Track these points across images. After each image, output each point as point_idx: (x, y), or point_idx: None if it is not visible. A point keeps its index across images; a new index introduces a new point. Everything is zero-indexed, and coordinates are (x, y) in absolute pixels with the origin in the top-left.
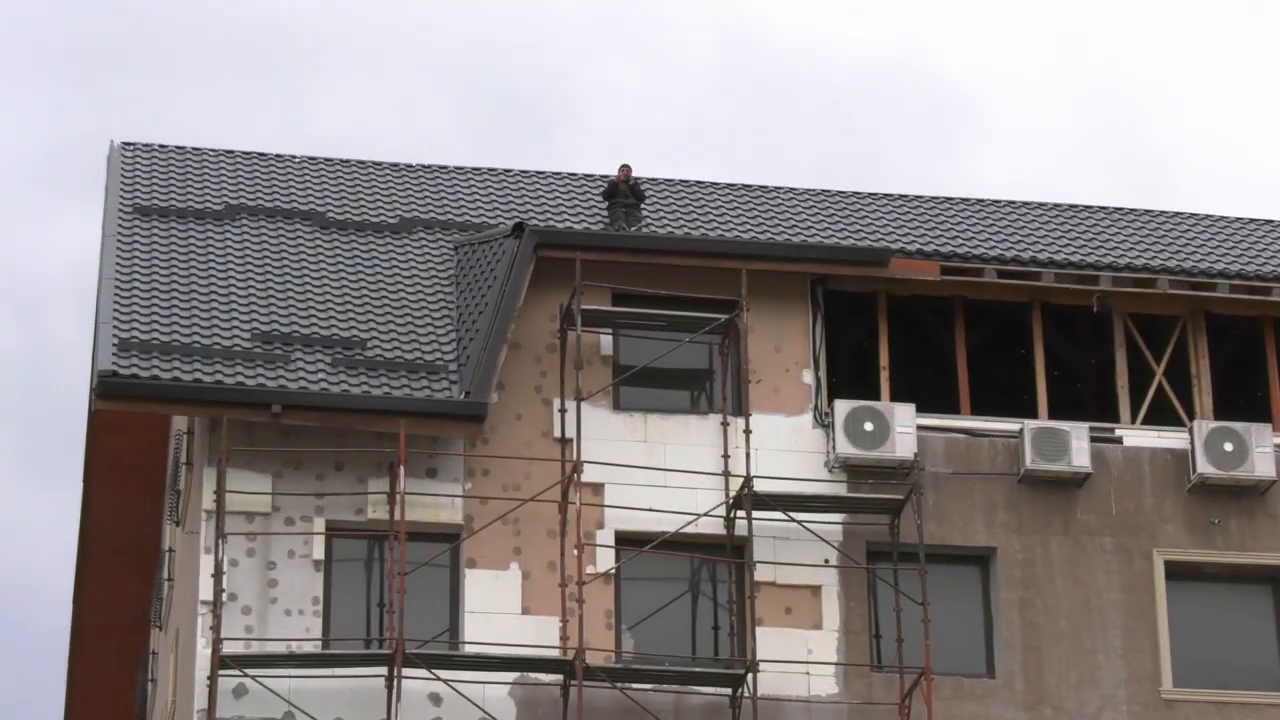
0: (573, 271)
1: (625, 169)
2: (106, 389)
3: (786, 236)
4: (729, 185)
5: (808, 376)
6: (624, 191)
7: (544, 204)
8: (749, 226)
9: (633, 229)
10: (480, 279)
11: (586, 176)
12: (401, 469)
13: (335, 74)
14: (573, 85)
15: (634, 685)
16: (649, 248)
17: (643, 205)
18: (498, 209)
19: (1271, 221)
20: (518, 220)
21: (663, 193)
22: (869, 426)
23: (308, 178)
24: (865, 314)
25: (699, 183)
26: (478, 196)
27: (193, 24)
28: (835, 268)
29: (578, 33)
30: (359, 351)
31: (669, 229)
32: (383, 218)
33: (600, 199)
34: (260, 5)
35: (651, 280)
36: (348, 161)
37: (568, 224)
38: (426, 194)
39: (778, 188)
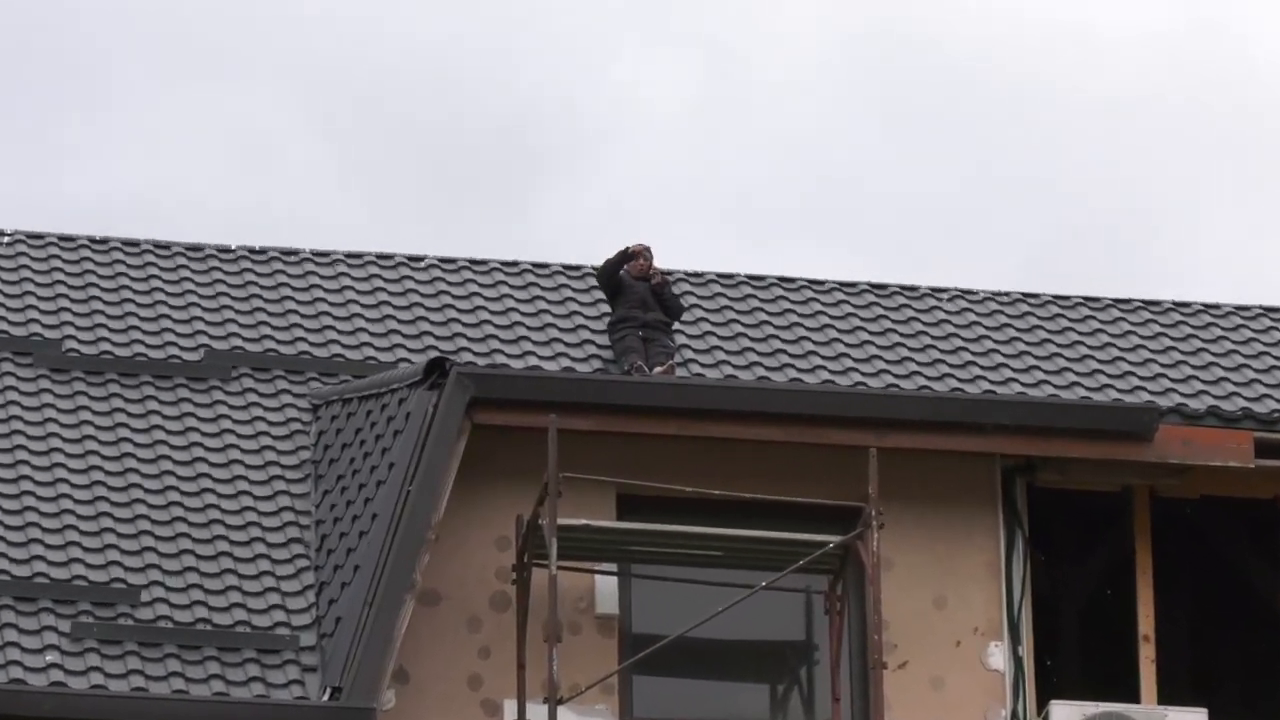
0: (541, 450)
1: (643, 255)
2: None
3: (957, 385)
4: (842, 285)
5: (997, 655)
6: (638, 294)
7: (489, 325)
8: (884, 363)
9: (657, 370)
10: (362, 466)
11: (567, 270)
12: None
13: (127, 87)
14: (572, 101)
15: None
16: (690, 406)
17: (677, 323)
18: (398, 333)
19: None
20: (436, 354)
21: (717, 299)
22: None
23: (32, 275)
24: (1110, 532)
25: (786, 280)
26: (361, 308)
27: None
28: (1050, 443)
29: (588, 16)
30: (126, 611)
31: (727, 368)
32: (175, 351)
33: (591, 311)
34: None
35: (694, 470)
36: (106, 242)
37: (532, 362)
38: (262, 305)
39: (938, 290)
